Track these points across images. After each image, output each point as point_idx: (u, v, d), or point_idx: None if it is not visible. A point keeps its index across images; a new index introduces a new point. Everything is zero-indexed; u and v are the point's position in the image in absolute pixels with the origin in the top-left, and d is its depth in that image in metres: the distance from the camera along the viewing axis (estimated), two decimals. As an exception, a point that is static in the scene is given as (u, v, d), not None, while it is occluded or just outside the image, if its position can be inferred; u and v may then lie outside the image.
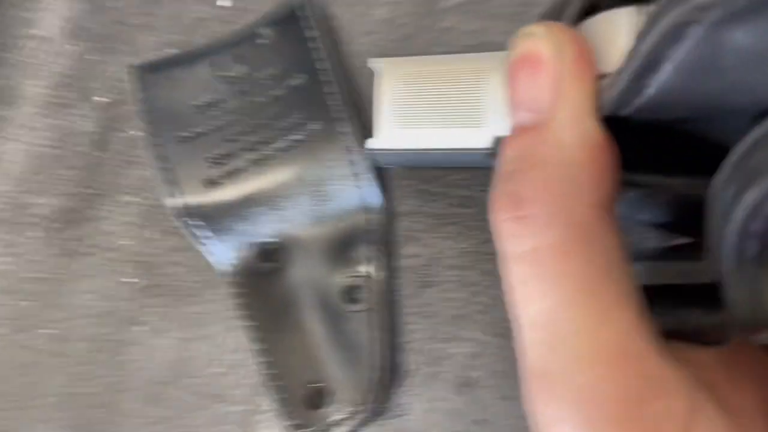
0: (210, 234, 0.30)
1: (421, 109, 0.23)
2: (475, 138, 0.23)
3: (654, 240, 0.21)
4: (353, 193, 0.29)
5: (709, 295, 0.16)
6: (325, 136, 0.29)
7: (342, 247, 0.29)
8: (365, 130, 0.28)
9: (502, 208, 0.16)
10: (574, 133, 0.16)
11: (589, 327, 0.15)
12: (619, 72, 0.15)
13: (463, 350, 0.28)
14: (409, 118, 0.24)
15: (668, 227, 0.19)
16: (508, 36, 0.30)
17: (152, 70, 0.32)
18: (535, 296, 0.16)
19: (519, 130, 0.17)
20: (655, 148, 0.17)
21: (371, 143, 0.25)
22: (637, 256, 0.19)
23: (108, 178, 0.34)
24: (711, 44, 0.12)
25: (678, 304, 0.17)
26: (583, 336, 0.15)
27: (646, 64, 0.14)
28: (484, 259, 0.29)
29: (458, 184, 0.30)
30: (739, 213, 0.13)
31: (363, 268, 0.29)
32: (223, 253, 0.30)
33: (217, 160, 0.30)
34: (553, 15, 0.18)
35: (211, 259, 0.31)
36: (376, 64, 0.25)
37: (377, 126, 0.25)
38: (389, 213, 0.30)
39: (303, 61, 0.30)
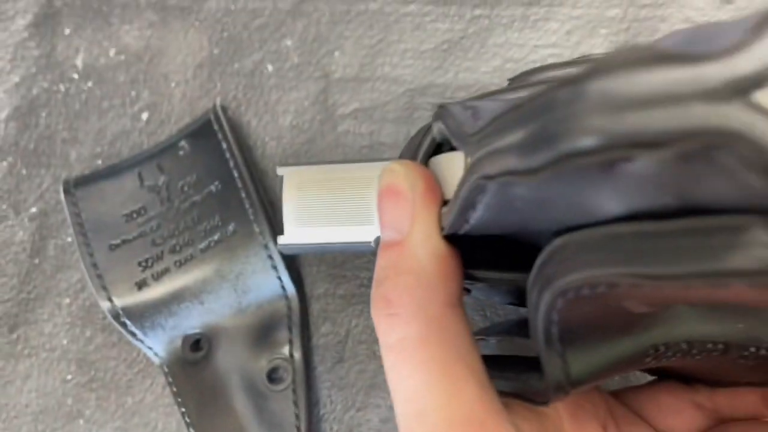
0: (142, 330, 0.33)
1: (320, 211, 0.28)
2: (364, 234, 0.27)
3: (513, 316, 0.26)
4: (271, 283, 0.33)
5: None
6: (243, 235, 0.33)
7: (264, 332, 0.33)
8: (280, 225, 0.32)
9: (377, 307, 0.21)
10: (426, 249, 0.20)
11: (443, 401, 0.19)
12: (450, 206, 0.19)
13: (376, 416, 0.32)
14: (311, 218, 0.28)
15: (516, 305, 0.24)
16: (395, 137, 0.35)
17: (82, 184, 0.35)
18: (403, 378, 0.20)
19: (386, 245, 0.21)
20: (491, 253, 0.22)
21: (281, 240, 0.29)
22: (494, 332, 0.24)
23: (45, 282, 0.37)
24: (503, 195, 0.17)
25: (522, 371, 0.21)
26: (439, 409, 0.19)
27: (465, 205, 0.18)
28: (391, 332, 0.33)
29: (364, 267, 0.34)
30: (542, 307, 0.17)
31: (284, 350, 0.33)
32: (156, 346, 0.33)
33: (145, 263, 0.33)
34: (410, 153, 0.23)
35: (145, 352, 0.34)
36: (283, 171, 0.29)
37: (285, 225, 0.29)
38: (305, 297, 0.34)
39: (219, 168, 0.34)
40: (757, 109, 0.10)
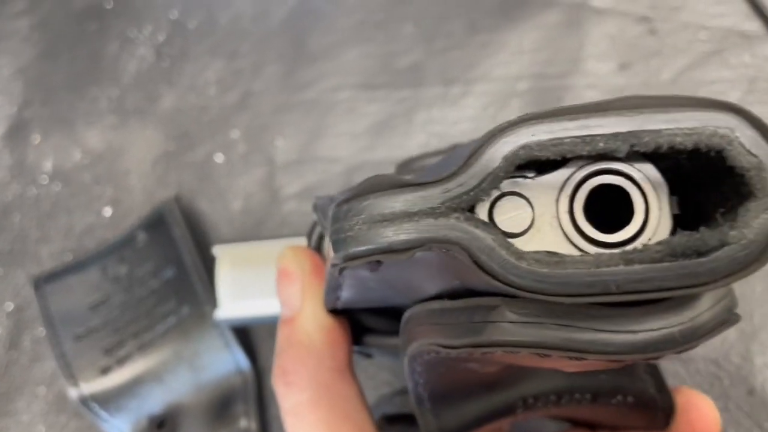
0: (109, 413, 0.35)
1: (250, 285, 0.30)
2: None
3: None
4: (226, 359, 0.35)
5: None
6: (196, 317, 0.35)
7: (222, 407, 0.35)
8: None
9: (276, 376, 0.23)
10: (314, 323, 0.23)
11: None
12: (326, 286, 0.22)
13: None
14: (242, 293, 0.30)
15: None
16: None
17: (51, 280, 0.38)
18: None
19: (283, 321, 0.24)
20: (382, 320, 0.24)
21: (216, 314, 0.31)
22: (400, 392, 0.26)
23: (22, 374, 0.39)
24: (355, 278, 0.19)
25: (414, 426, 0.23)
26: None
27: (331, 286, 0.21)
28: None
29: (315, 336, 0.37)
30: (407, 369, 0.19)
31: (242, 423, 0.35)
32: (123, 427, 0.35)
33: (108, 351, 0.35)
34: (308, 236, 0.25)
35: (113, 434, 0.36)
36: (218, 250, 0.32)
37: (220, 300, 0.32)
38: (259, 371, 0.36)
39: (173, 256, 0.37)
40: (474, 220, 0.13)
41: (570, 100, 0.36)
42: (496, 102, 0.37)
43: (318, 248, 0.25)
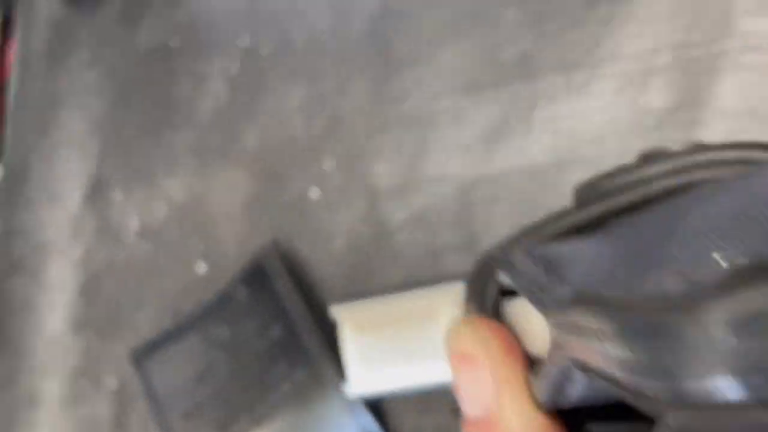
0: (230, 498, 0.31)
1: (384, 353, 0.25)
2: (436, 371, 0.24)
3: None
4: (351, 426, 0.30)
5: None
6: (312, 380, 0.30)
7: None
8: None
9: None
10: (521, 423, 0.17)
11: None
12: (541, 377, 0.16)
13: None
14: (374, 363, 0.25)
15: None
16: (454, 240, 0.32)
17: (151, 352, 0.34)
18: None
19: (472, 423, 0.18)
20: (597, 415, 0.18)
21: (347, 390, 0.26)
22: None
23: (132, 455, 0.36)
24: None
25: None
26: None
27: (559, 383, 0.15)
28: None
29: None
30: None
31: (379, 498, 0.30)
32: None
33: (222, 428, 0.31)
34: (475, 304, 0.19)
35: None
36: (337, 312, 0.27)
37: (349, 372, 0.27)
38: (392, 434, 0.31)
39: (278, 311, 0.32)
40: None
41: (727, 69, 0.29)
42: (632, 83, 0.31)
43: (495, 312, 0.19)
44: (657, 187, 0.18)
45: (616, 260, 0.15)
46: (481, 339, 0.18)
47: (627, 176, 0.19)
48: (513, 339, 0.18)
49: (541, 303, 0.16)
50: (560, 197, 0.30)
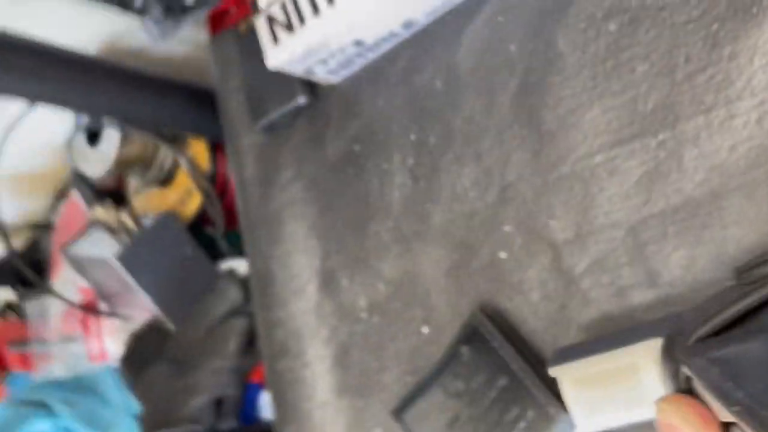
0: None
1: (601, 402, 0.31)
2: (645, 413, 0.30)
3: None
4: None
5: None
6: (543, 419, 0.37)
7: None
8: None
9: None
10: None
11: None
12: None
13: None
14: (593, 411, 0.32)
15: None
16: (634, 278, 0.37)
17: (405, 408, 0.43)
18: None
19: None
20: None
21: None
22: None
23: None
24: None
25: None
26: None
27: None
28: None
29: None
30: None
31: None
32: None
33: (477, 462, 0.39)
34: (671, 377, 0.25)
35: None
36: (556, 372, 0.34)
37: (575, 421, 0.33)
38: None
39: (500, 364, 0.39)
40: None
41: None
42: (772, 112, 0.34)
43: (689, 386, 0.25)
44: None
45: None
46: (682, 414, 0.24)
47: None
48: (707, 412, 0.23)
49: (725, 403, 0.21)
50: (721, 227, 0.35)
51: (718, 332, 0.23)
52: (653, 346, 0.29)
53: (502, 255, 0.43)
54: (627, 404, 0.30)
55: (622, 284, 0.38)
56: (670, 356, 0.26)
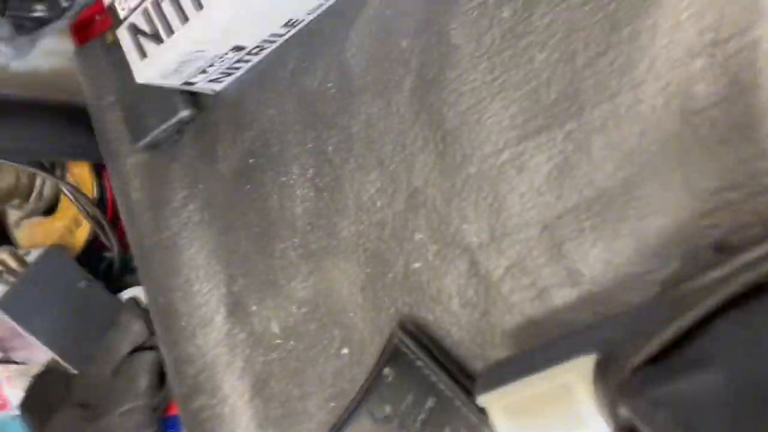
0: None
1: (534, 427, 0.29)
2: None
3: None
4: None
5: None
6: (476, 436, 0.35)
7: None
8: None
9: None
10: None
11: None
12: None
13: None
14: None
15: None
16: (555, 275, 0.35)
17: (332, 439, 0.40)
18: None
19: None
20: None
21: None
22: None
23: None
24: None
25: None
26: None
27: None
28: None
29: None
30: None
31: None
32: None
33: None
34: (608, 411, 0.23)
35: None
36: (484, 401, 0.31)
37: None
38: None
39: (427, 384, 0.37)
40: None
41: (765, 56, 0.30)
42: (679, 92, 0.32)
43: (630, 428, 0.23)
44: (743, 281, 0.21)
45: (733, 397, 0.18)
46: None
47: (711, 273, 0.22)
48: None
49: None
50: (638, 217, 0.33)
51: (653, 358, 0.21)
52: (585, 365, 0.27)
53: (417, 265, 0.40)
54: (562, 428, 0.28)
55: (542, 285, 0.36)
56: (604, 379, 0.24)
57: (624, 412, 0.22)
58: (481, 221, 0.38)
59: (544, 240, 0.36)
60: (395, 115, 0.40)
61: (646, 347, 0.22)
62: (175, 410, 0.63)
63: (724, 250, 0.22)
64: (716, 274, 0.21)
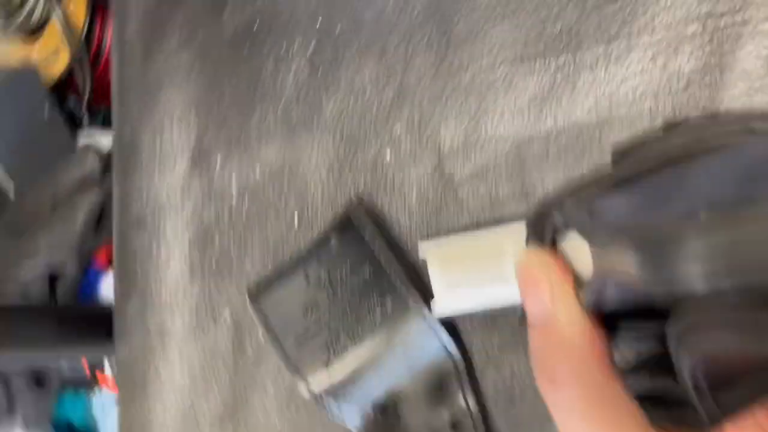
0: (338, 404, 0.39)
1: (463, 280, 0.32)
2: (506, 294, 0.31)
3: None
4: (434, 346, 0.37)
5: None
6: (400, 309, 0.38)
7: (438, 389, 0.38)
8: (429, 292, 0.37)
9: (540, 375, 0.25)
10: (571, 326, 0.24)
11: None
12: (587, 288, 0.23)
13: (554, 447, 0.36)
14: (456, 289, 0.32)
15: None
16: (511, 191, 0.38)
17: (261, 292, 0.42)
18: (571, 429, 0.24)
19: (535, 328, 0.25)
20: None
21: (434, 310, 0.33)
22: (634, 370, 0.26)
23: (251, 374, 0.44)
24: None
25: (674, 406, 0.24)
26: None
27: (599, 292, 0.22)
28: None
29: (512, 314, 0.38)
30: (685, 370, 0.20)
31: (460, 402, 0.37)
32: (351, 416, 0.39)
33: (327, 347, 0.39)
34: (536, 239, 0.26)
35: (344, 422, 0.40)
36: (425, 249, 0.34)
37: (435, 297, 0.34)
38: (466, 351, 0.38)
39: (367, 255, 0.39)
40: None
41: (750, 36, 0.34)
42: (664, 52, 0.36)
43: (552, 246, 0.26)
44: (675, 152, 0.24)
45: (639, 207, 0.22)
46: (543, 265, 0.25)
47: (654, 144, 0.25)
48: (565, 265, 0.25)
49: (586, 236, 0.22)
50: (600, 152, 0.37)
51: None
52: (519, 229, 0.30)
53: (388, 154, 0.42)
54: (490, 283, 0.31)
55: (497, 195, 0.39)
56: (537, 219, 0.27)
57: (548, 228, 0.25)
58: (459, 127, 0.40)
59: (510, 156, 0.39)
60: (409, 12, 0.42)
61: (582, 187, 0.25)
62: (101, 261, 0.63)
63: (669, 128, 0.26)
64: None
